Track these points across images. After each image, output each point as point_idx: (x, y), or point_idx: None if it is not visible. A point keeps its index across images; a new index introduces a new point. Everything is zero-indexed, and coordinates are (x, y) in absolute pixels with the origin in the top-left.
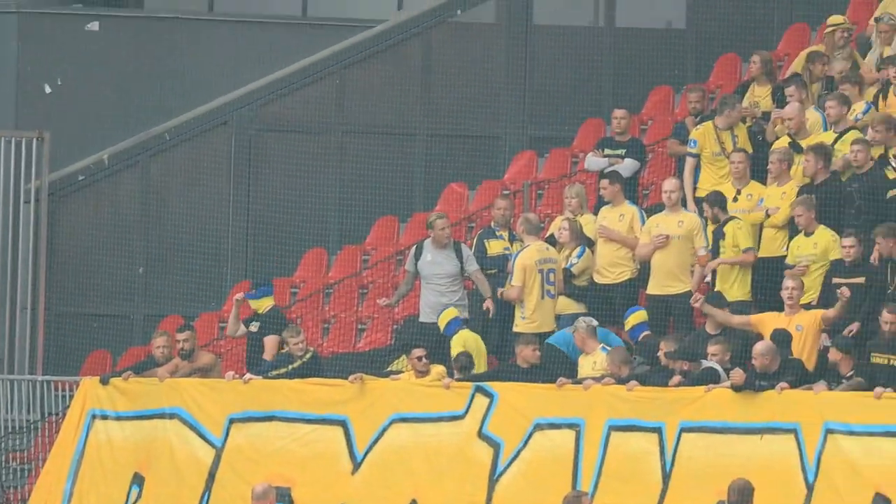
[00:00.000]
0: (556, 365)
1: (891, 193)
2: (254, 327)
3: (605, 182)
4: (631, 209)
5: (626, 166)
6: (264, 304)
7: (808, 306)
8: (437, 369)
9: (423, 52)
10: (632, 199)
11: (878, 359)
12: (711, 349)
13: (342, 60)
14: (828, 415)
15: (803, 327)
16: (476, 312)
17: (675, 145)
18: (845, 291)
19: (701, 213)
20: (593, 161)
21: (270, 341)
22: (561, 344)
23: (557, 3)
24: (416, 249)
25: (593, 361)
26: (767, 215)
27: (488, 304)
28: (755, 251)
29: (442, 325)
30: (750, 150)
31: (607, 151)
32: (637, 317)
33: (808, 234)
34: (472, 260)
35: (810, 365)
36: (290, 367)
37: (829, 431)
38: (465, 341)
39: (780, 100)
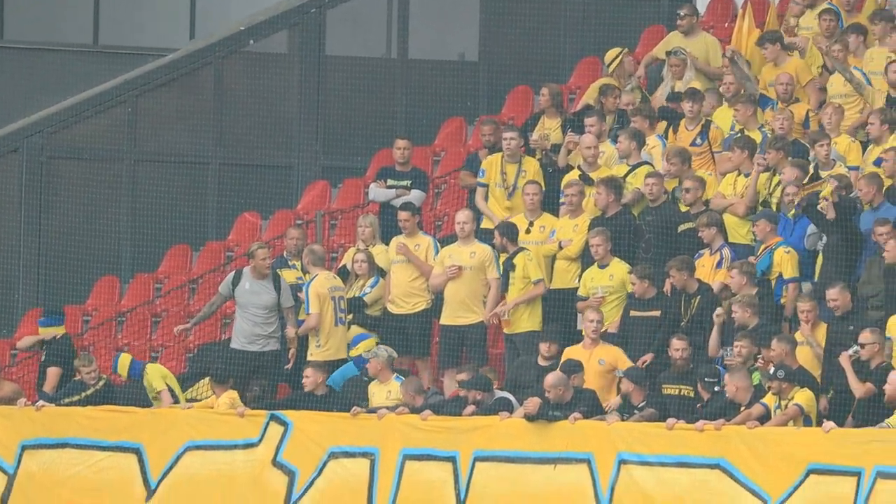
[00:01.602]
0: (351, 393)
1: (682, 227)
2: (41, 355)
3: (405, 214)
4: (426, 239)
5: (414, 197)
6: (52, 332)
7: (604, 335)
8: (231, 395)
9: (215, 82)
10: (420, 228)
11: (669, 389)
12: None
13: (134, 88)
14: (621, 445)
15: (606, 361)
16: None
17: (467, 177)
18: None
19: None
20: (378, 192)
21: (52, 373)
22: (337, 383)
23: (350, 35)
24: (234, 276)
25: (388, 391)
26: (560, 247)
27: (290, 332)
28: (545, 283)
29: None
30: (542, 183)
31: (391, 182)
32: (366, 345)
33: (602, 266)
34: (288, 294)
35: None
36: (83, 394)
37: (622, 461)
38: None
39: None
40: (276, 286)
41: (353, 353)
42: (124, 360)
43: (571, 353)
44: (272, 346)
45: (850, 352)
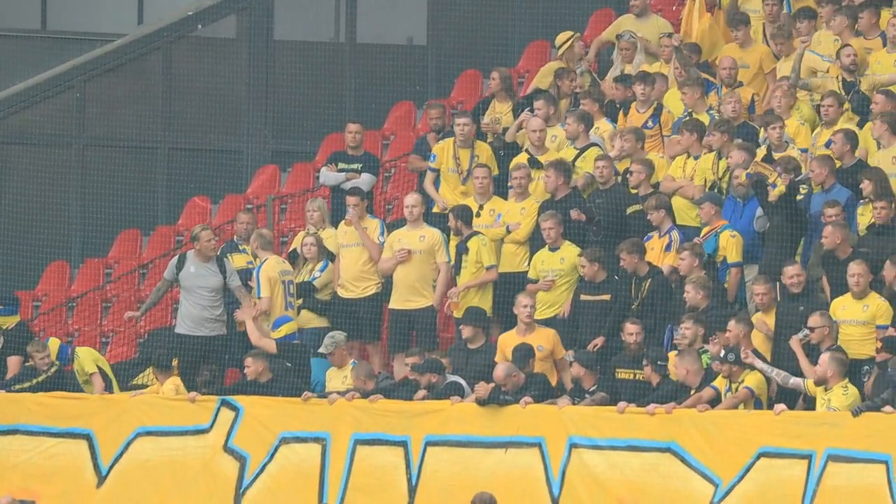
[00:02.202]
0: (298, 378)
1: (630, 209)
2: None
3: (354, 199)
4: (373, 221)
5: (364, 181)
6: (8, 322)
7: (551, 321)
8: (174, 381)
9: (164, 67)
10: (370, 212)
11: (623, 374)
12: (444, 362)
13: (83, 74)
14: (572, 429)
15: (544, 347)
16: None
17: (417, 161)
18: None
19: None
20: (328, 175)
21: (13, 361)
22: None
23: (298, 19)
24: (178, 260)
25: (343, 376)
26: (508, 231)
27: (241, 315)
28: (497, 269)
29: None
30: (495, 167)
31: (341, 165)
32: (288, 327)
33: (553, 249)
34: (234, 275)
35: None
36: (35, 380)
37: (573, 445)
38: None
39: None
40: (220, 268)
41: (275, 335)
42: (53, 344)
43: (507, 338)
44: (219, 331)
45: (801, 335)
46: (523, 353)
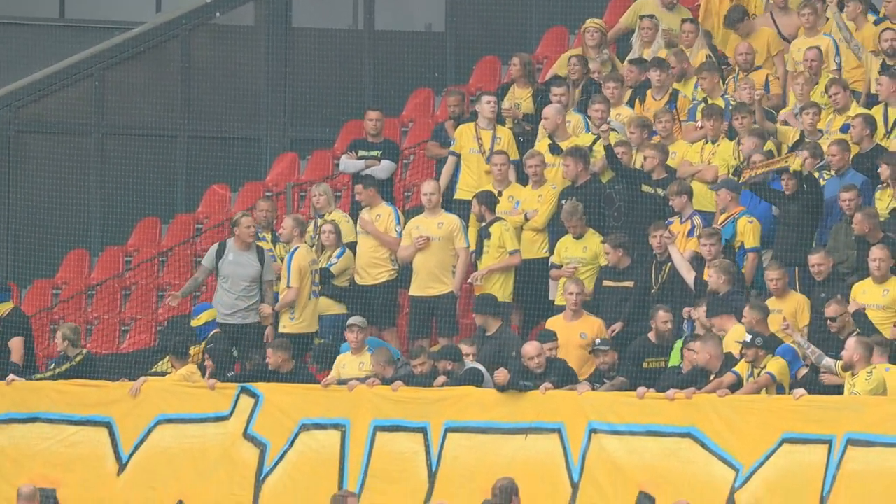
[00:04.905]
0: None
1: (644, 189)
2: None
3: (359, 187)
4: (387, 209)
5: (383, 168)
6: (2, 309)
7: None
8: (190, 368)
9: (182, 54)
10: (390, 199)
11: (651, 363)
12: (467, 349)
13: (101, 62)
14: (591, 414)
15: (588, 335)
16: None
17: (435, 148)
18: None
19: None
20: (348, 163)
21: (16, 343)
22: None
23: (316, 6)
24: (218, 247)
25: (360, 362)
26: (526, 218)
27: (266, 309)
28: (520, 254)
29: (199, 323)
30: (514, 153)
31: (361, 153)
32: (209, 314)
33: (577, 238)
34: (271, 270)
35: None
36: (67, 366)
37: (592, 431)
38: None
39: (541, 102)
40: (259, 258)
41: (196, 322)
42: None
43: (553, 324)
44: (252, 319)
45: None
46: (547, 337)
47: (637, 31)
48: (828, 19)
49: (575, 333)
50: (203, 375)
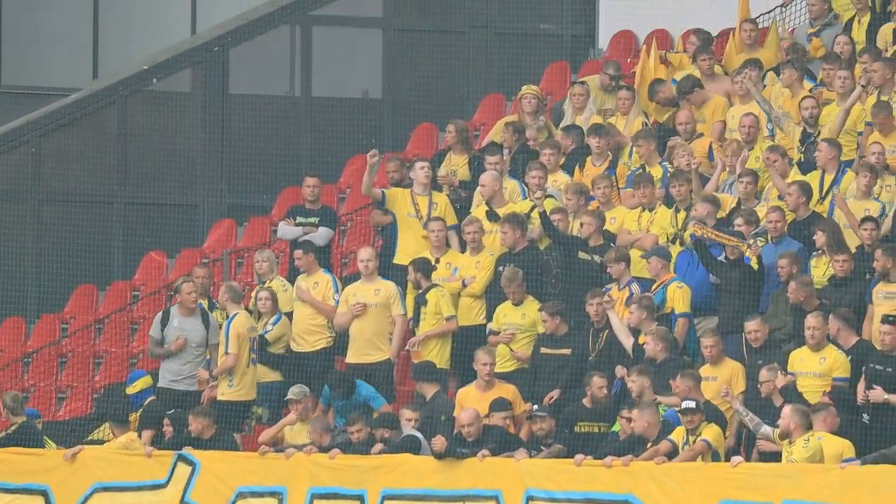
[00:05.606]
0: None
1: (580, 255)
2: None
3: (298, 252)
4: (325, 277)
5: (321, 235)
6: None
7: (511, 374)
8: (130, 436)
9: (119, 121)
10: (327, 266)
11: (584, 427)
12: (410, 415)
13: (38, 129)
14: (529, 481)
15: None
16: None
17: (378, 215)
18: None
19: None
20: (286, 230)
21: None
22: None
23: (253, 73)
24: (162, 315)
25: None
26: (464, 285)
27: (203, 374)
28: (457, 319)
29: (134, 391)
30: (452, 218)
31: (299, 219)
32: (143, 381)
33: (516, 304)
34: (217, 332)
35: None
36: (1, 435)
37: (530, 498)
38: None
39: (477, 168)
40: (204, 322)
41: (131, 390)
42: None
43: (466, 393)
44: (196, 386)
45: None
46: (502, 406)
47: (568, 97)
48: (765, 86)
49: (488, 404)
50: (153, 442)
